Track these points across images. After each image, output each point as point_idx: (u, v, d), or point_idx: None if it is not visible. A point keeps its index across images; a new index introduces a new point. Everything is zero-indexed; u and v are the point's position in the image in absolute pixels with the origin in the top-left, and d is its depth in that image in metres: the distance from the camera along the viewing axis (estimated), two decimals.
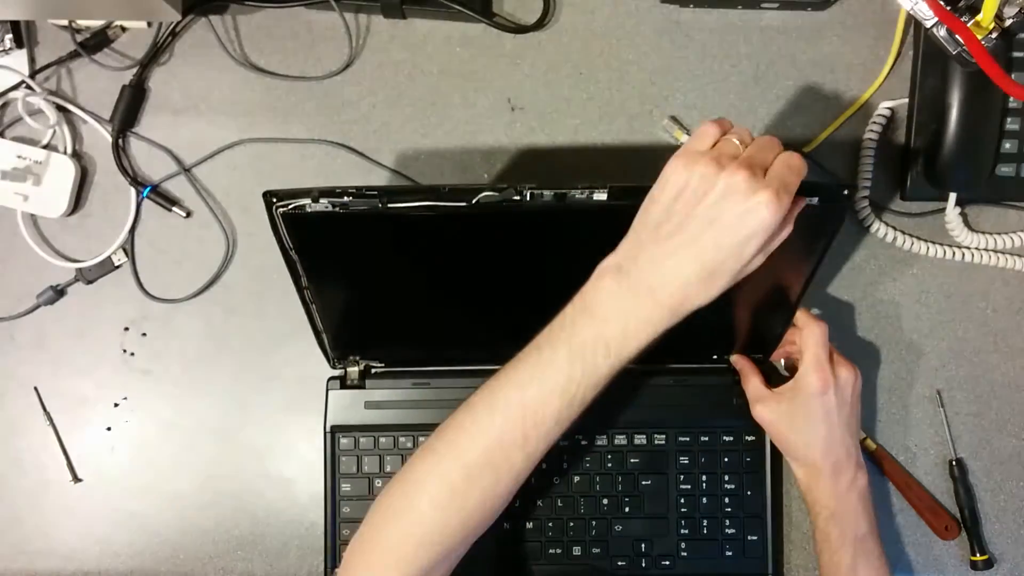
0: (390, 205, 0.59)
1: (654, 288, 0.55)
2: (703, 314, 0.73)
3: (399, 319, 0.73)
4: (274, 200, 0.59)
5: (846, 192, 0.60)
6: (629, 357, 0.56)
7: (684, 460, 0.76)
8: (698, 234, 0.53)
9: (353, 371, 0.77)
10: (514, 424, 0.57)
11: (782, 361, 0.78)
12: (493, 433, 0.58)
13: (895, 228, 0.79)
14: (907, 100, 0.78)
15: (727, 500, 0.76)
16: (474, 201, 0.59)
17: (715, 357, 0.78)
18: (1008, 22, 0.67)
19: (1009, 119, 0.76)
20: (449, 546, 0.59)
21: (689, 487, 0.76)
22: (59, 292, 0.79)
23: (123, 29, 0.79)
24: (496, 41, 0.80)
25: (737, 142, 0.55)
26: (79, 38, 0.78)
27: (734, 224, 0.53)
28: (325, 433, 0.76)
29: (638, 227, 0.56)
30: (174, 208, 0.79)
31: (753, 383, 0.74)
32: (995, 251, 0.79)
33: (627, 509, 0.76)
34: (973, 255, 0.79)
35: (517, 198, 0.59)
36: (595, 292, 0.56)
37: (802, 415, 0.70)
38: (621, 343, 0.56)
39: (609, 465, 0.76)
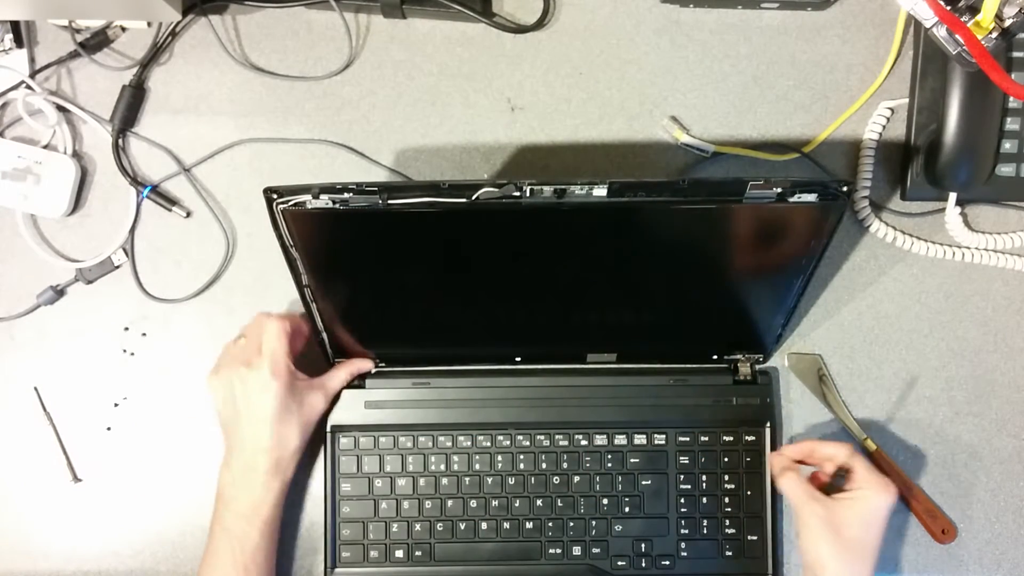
0: (390, 201, 0.59)
1: None
2: (702, 314, 0.73)
3: (399, 317, 0.73)
4: (275, 196, 0.59)
5: (844, 188, 0.60)
6: None
7: (684, 460, 0.76)
8: None
9: None
10: None
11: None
12: None
13: (895, 228, 0.79)
14: (907, 100, 0.78)
15: (727, 500, 0.76)
16: (474, 197, 0.59)
17: (715, 357, 0.78)
18: (1008, 22, 0.67)
19: (1009, 119, 0.76)
20: None
21: (689, 487, 0.76)
22: (59, 292, 0.79)
23: (123, 29, 0.79)
24: (496, 41, 0.80)
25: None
26: (79, 38, 0.78)
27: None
28: (325, 433, 0.76)
29: None
30: (174, 208, 0.79)
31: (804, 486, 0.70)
32: (995, 251, 0.79)
33: (627, 509, 0.76)
34: (973, 255, 0.79)
35: (517, 194, 0.59)
36: None
37: (852, 523, 0.68)
38: None
39: (609, 465, 0.76)
